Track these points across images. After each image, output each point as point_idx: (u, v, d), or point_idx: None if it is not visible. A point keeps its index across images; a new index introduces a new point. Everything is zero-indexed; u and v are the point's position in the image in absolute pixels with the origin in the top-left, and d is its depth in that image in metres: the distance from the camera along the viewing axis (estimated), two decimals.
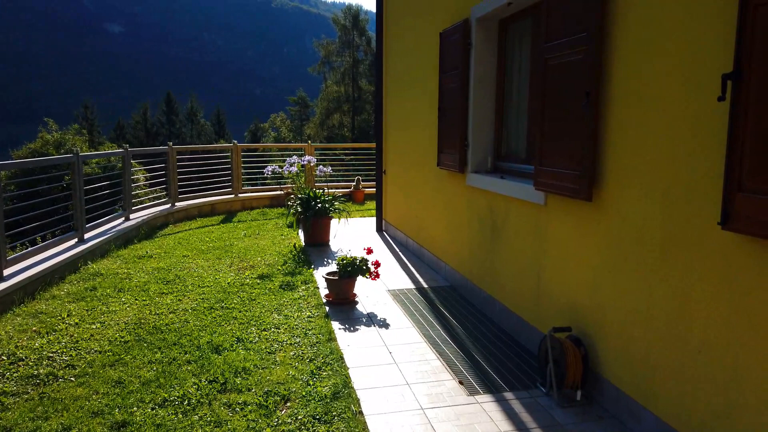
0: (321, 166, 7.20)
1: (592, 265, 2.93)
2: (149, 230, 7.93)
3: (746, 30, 1.85)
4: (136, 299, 4.77)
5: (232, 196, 10.07)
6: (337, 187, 11.30)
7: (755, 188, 1.84)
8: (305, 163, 7.37)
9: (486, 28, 4.46)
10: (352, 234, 7.63)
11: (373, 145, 10.02)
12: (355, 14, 46.97)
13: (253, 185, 11.59)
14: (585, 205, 2.97)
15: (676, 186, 2.30)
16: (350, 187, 11.23)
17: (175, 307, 4.52)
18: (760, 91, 1.80)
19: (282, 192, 10.16)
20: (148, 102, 53.69)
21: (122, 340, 3.81)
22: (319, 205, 6.71)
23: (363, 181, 11.41)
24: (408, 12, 6.52)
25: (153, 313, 4.38)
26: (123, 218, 7.66)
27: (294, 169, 7.02)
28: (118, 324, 4.13)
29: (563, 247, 3.22)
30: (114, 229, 7.06)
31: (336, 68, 46.60)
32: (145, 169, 14.61)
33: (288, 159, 7.12)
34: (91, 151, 22.73)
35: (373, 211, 9.22)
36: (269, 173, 7.01)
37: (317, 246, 6.81)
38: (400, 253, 6.51)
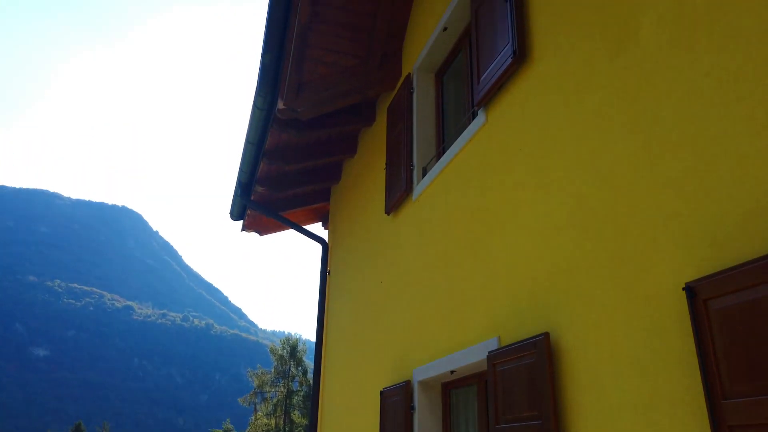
0: None
1: None
2: None
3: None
4: None
5: None
6: None
7: None
8: None
9: (430, 392, 4.28)
10: None
11: None
12: (293, 344, 47.71)
13: None
14: None
15: None
16: None
17: None
18: None
19: None
20: None
21: None
22: None
23: None
24: (347, 362, 6.43)
25: None
26: None
27: None
28: None
29: None
30: None
31: (269, 399, 44.82)
32: None
33: None
34: None
35: None
36: None
37: None
38: None
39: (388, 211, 5.38)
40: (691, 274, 1.95)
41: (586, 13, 2.79)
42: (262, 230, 8.88)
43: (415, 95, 5.16)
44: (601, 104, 2.59)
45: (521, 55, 3.25)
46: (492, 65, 3.55)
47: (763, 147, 1.77)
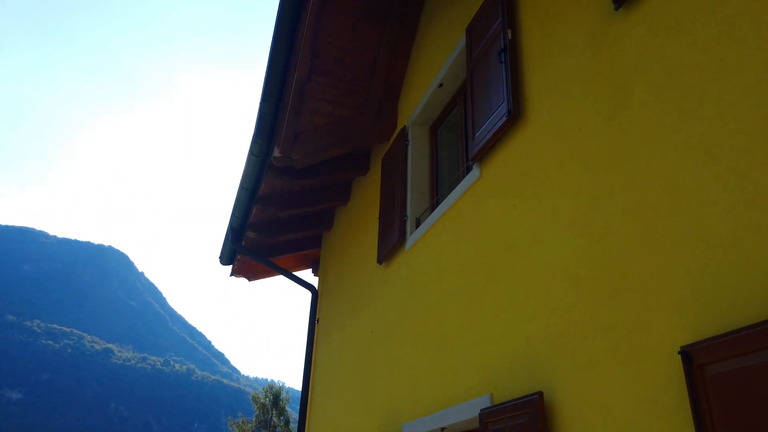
0: None
1: None
2: None
3: None
4: None
5: None
6: None
7: None
8: None
9: None
10: None
11: None
12: (276, 393, 46.31)
13: None
14: None
15: None
16: None
17: None
18: None
19: None
20: None
21: None
22: None
23: None
24: (333, 413, 6.26)
25: None
26: None
27: None
28: None
29: None
30: None
31: None
32: None
33: None
34: None
35: None
36: None
37: None
38: None
39: (380, 261, 5.37)
40: (686, 338, 1.95)
41: (579, 77, 2.88)
42: (252, 276, 8.80)
43: (410, 147, 5.25)
44: (594, 166, 2.64)
45: (516, 114, 3.34)
46: (487, 122, 3.63)
47: (755, 214, 1.81)
